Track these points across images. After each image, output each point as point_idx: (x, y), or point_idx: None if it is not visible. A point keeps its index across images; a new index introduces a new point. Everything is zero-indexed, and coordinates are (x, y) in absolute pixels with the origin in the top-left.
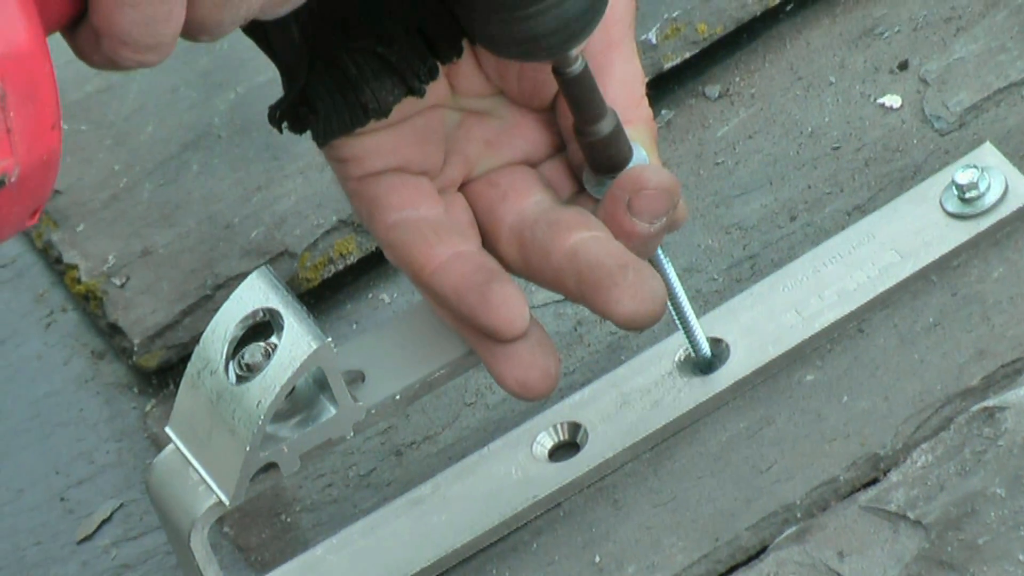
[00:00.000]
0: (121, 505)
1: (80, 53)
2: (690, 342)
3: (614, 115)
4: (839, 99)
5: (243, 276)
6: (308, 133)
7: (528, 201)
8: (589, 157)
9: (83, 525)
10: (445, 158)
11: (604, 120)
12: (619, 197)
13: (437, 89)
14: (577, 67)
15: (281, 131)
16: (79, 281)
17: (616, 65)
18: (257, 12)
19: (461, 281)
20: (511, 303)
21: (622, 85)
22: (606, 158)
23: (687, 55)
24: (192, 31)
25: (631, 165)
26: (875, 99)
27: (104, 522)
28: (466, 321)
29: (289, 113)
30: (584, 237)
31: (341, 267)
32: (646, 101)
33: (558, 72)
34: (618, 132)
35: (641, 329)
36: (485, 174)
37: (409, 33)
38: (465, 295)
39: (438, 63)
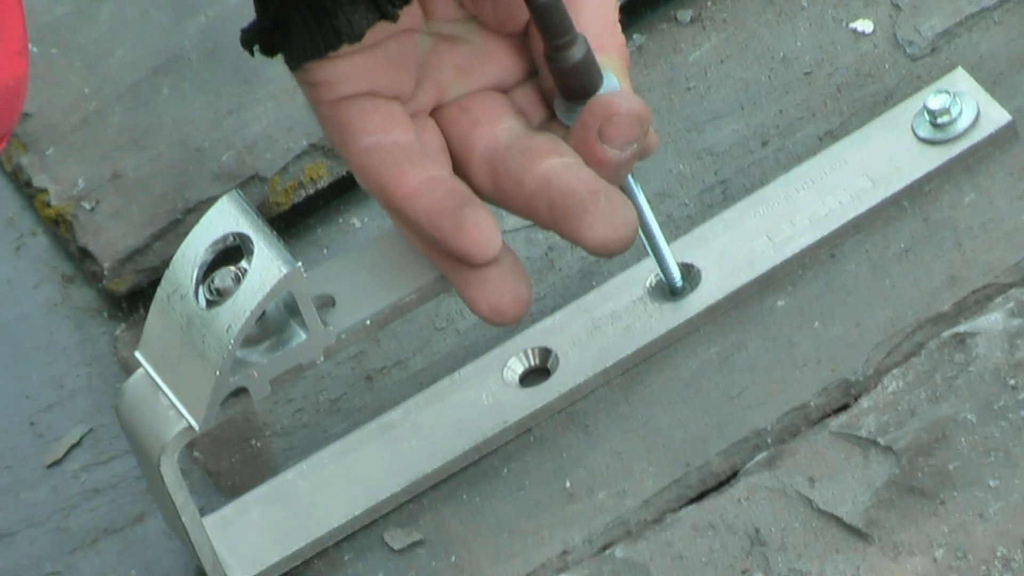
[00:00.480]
0: (91, 430)
1: None
2: (661, 268)
3: (585, 42)
4: (811, 24)
5: (213, 200)
6: (280, 57)
7: (500, 127)
8: (560, 84)
9: (52, 450)
10: (417, 83)
11: (575, 47)
12: (590, 124)
13: (410, 14)
14: None
15: (253, 55)
16: (49, 205)
17: None
18: None
19: (433, 206)
20: (483, 228)
21: (595, 11)
22: (577, 85)
23: None
24: None
25: (602, 92)
26: (847, 24)
27: (73, 447)
28: (438, 246)
29: (261, 37)
30: (556, 163)
31: (312, 191)
32: (619, 28)
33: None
34: (589, 59)
35: (612, 255)
36: (457, 100)
37: None
38: (437, 220)
39: None
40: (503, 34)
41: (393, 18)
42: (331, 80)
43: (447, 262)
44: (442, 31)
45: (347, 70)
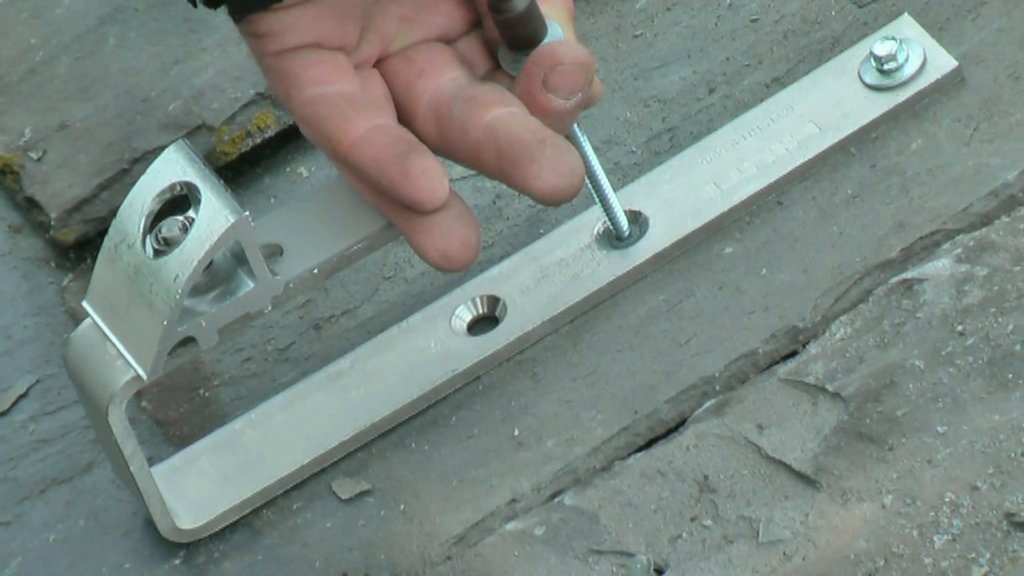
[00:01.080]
0: (38, 380)
1: None
2: (608, 216)
3: None
4: None
5: (161, 150)
6: (224, 8)
7: (445, 78)
8: (504, 34)
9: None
10: (362, 34)
11: None
12: (534, 73)
13: None
14: None
15: (196, 6)
16: None
17: None
18: None
19: (380, 153)
20: (431, 174)
21: None
22: (521, 35)
23: None
24: None
25: (546, 41)
26: None
27: (20, 397)
28: (386, 194)
29: None
30: (501, 113)
31: (259, 140)
32: None
33: None
34: (532, 9)
35: (559, 204)
36: (402, 50)
37: None
38: (384, 167)
39: None
40: None
41: None
42: (275, 31)
43: (395, 210)
44: None
45: (291, 21)
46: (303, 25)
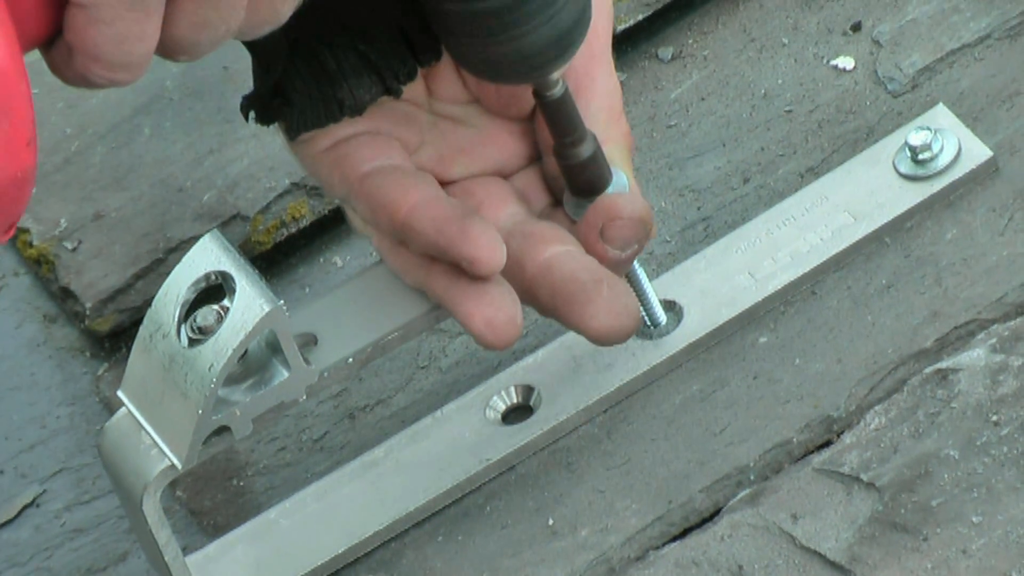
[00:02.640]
0: (69, 469)
1: (54, 68)
2: (643, 305)
3: (593, 139)
4: (792, 61)
5: (195, 239)
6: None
7: (503, 212)
8: (568, 179)
9: (33, 490)
10: (420, 144)
11: (584, 144)
12: (593, 224)
13: (414, 91)
14: (558, 90)
15: (248, 120)
16: (31, 245)
17: (598, 80)
18: (236, 34)
19: (439, 214)
20: (490, 235)
21: (603, 99)
22: (584, 181)
23: (640, 17)
24: (169, 51)
25: (610, 191)
26: (828, 61)
27: (26, 506)
28: (443, 255)
29: (259, 103)
30: (558, 251)
31: (294, 230)
32: (624, 115)
33: (539, 95)
34: (597, 157)
35: (614, 344)
36: (459, 182)
37: (390, 32)
38: (444, 227)
39: (417, 64)
40: (507, 118)
41: (397, 93)
42: (328, 131)
43: (445, 280)
44: (444, 111)
45: (344, 127)
46: (359, 120)
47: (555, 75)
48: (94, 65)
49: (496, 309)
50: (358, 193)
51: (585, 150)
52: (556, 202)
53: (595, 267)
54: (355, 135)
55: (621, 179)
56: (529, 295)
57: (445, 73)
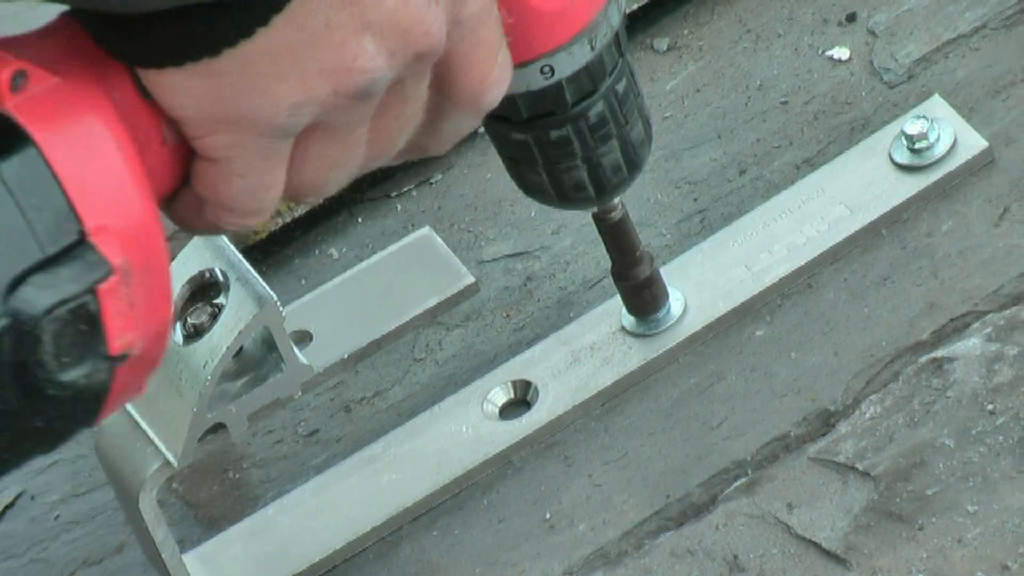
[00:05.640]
0: (61, 461)
1: (180, 219)
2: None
3: (651, 259)
4: (788, 52)
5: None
6: None
7: None
8: (626, 299)
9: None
10: None
11: (642, 264)
12: None
13: None
14: (617, 213)
15: None
16: None
17: None
18: (358, 173)
19: None
20: None
21: None
22: (642, 302)
23: (635, 7)
24: (296, 195)
25: (667, 307)
26: (824, 51)
27: (8, 507)
28: None
29: None
30: None
31: (288, 220)
32: None
33: (599, 218)
34: (655, 276)
35: None
36: None
37: None
38: None
39: None
40: None
41: None
42: None
43: None
44: None
45: None
46: None
47: (617, 199)
48: (227, 215)
49: None
50: None
51: (643, 271)
52: None
53: None
54: None
55: (677, 299)
56: None
57: None
